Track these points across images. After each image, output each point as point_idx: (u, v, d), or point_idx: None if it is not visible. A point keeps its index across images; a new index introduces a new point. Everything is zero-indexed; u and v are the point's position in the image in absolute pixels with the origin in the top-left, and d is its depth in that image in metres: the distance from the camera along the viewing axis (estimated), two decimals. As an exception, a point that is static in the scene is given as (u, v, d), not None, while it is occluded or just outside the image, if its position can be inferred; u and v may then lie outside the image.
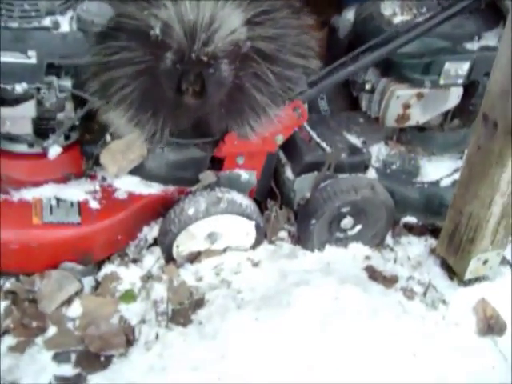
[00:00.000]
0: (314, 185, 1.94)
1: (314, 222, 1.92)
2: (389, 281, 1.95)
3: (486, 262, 1.89)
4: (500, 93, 1.65)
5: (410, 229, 2.13)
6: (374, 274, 1.96)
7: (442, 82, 1.95)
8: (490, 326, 1.85)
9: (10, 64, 1.64)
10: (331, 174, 1.95)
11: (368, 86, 2.04)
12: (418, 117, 2.03)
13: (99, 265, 1.91)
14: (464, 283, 1.93)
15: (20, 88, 1.67)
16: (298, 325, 1.75)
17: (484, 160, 1.75)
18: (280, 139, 1.87)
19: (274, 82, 1.75)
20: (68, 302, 1.80)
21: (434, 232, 2.08)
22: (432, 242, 2.08)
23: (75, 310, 1.79)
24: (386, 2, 2.00)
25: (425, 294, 1.92)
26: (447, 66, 1.92)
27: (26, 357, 1.68)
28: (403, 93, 1.97)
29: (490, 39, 1.94)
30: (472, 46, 1.94)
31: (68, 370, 1.67)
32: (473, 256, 1.86)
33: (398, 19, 1.96)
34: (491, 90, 1.68)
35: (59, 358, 1.69)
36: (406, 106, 1.99)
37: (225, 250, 1.96)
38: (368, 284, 1.91)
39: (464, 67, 1.94)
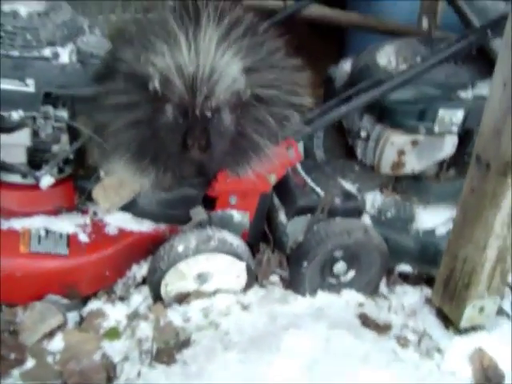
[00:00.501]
0: (307, 228, 1.92)
1: (306, 264, 1.88)
2: (382, 328, 1.89)
3: (482, 309, 1.83)
4: (492, 133, 1.66)
5: (404, 278, 2.09)
6: (366, 321, 1.90)
7: (436, 129, 1.97)
8: (488, 376, 1.77)
9: (9, 91, 1.68)
10: (324, 218, 1.94)
11: (363, 134, 2.06)
12: (413, 165, 2.03)
13: (85, 300, 1.87)
14: (460, 332, 1.87)
15: (16, 115, 1.70)
16: (285, 368, 1.68)
17: (478, 202, 1.73)
18: (273, 178, 1.87)
19: (273, 122, 1.77)
20: (50, 335, 1.75)
21: (430, 282, 2.03)
22: (427, 291, 2.03)
23: (57, 343, 1.74)
24: (381, 52, 2.04)
25: (419, 342, 1.85)
26: (441, 113, 1.94)
27: (2, 390, 1.63)
28: (398, 139, 1.98)
29: (483, 88, 1.95)
30: (466, 94, 1.97)
31: (44, 405, 1.62)
32: (468, 303, 1.81)
33: (392, 68, 2.01)
34: (483, 131, 1.69)
35: (36, 392, 1.63)
36: (401, 153, 2.00)
37: (214, 293, 1.92)
38: (360, 330, 1.85)
39: (458, 115, 1.95)
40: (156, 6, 1.89)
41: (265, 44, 1.73)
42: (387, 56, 2.02)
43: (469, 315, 1.84)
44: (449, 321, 1.91)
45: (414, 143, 1.99)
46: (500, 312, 1.92)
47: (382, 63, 2.03)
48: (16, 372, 1.66)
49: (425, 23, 2.27)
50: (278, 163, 1.83)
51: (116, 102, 1.70)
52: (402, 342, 1.87)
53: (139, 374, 1.68)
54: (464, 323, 1.85)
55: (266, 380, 1.65)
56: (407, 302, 2.02)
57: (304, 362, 1.70)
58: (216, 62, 1.63)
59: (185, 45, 1.61)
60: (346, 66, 2.13)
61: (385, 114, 1.99)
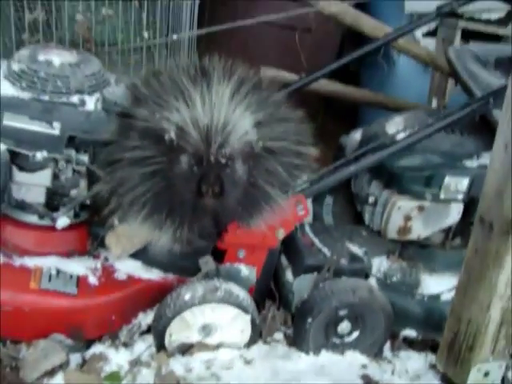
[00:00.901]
0: (313, 285, 1.94)
1: (310, 320, 1.88)
2: (385, 391, 1.87)
3: (487, 374, 1.81)
4: (494, 194, 1.71)
5: (409, 343, 2.08)
6: (369, 383, 1.88)
7: (442, 196, 2.03)
8: None
9: (35, 132, 1.78)
10: (330, 277, 1.96)
11: (371, 199, 2.12)
12: (419, 230, 2.08)
13: (89, 344, 1.87)
14: (464, 397, 1.84)
15: (40, 156, 1.79)
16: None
17: (481, 262, 1.76)
18: (281, 233, 1.91)
19: (283, 173, 1.83)
20: (51, 373, 1.75)
21: (435, 348, 2.01)
22: (432, 358, 2.01)
23: (57, 382, 1.74)
24: (390, 122, 2.14)
25: (422, 406, 1.83)
26: (447, 180, 2.01)
27: (-3, 422, 1.62)
28: (404, 204, 2.05)
29: (488, 159, 2.02)
30: (471, 163, 2.05)
31: None
32: (473, 365, 1.79)
33: (401, 136, 2.09)
34: (486, 193, 1.75)
35: (31, 431, 1.62)
36: (408, 218, 2.05)
37: (218, 346, 1.92)
38: (363, 390, 1.84)
39: (464, 183, 2.02)
40: (165, 69, 2.01)
41: (270, 98, 1.84)
42: (396, 126, 2.12)
43: (473, 379, 1.81)
44: (453, 385, 1.90)
45: (421, 209, 2.05)
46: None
47: (390, 131, 2.12)
48: (14, 407, 1.67)
49: (434, 102, 2.38)
50: (287, 218, 1.89)
51: (132, 156, 1.77)
52: (405, 405, 1.85)
53: (137, 417, 1.68)
54: (469, 388, 1.83)
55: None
56: (411, 366, 2.00)
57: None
58: (229, 114, 1.71)
59: (199, 99, 1.71)
60: (356, 135, 2.23)
61: (392, 179, 2.07)
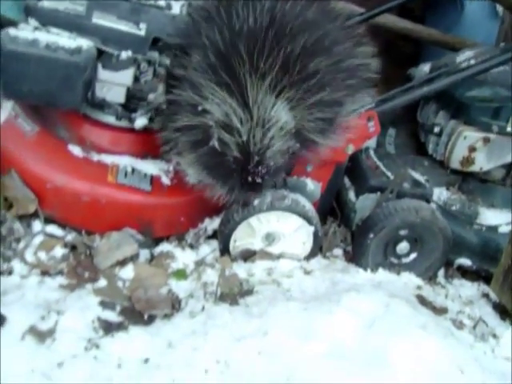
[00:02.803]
0: (376, 204, 1.99)
1: (371, 236, 1.94)
2: (438, 310, 1.91)
3: (541, 300, 1.86)
4: None
5: (463, 273, 2.12)
6: (423, 302, 1.93)
7: (509, 129, 2.05)
8: (543, 364, 1.77)
9: (122, 32, 1.83)
10: (393, 199, 2.01)
11: (437, 129, 2.15)
12: (482, 163, 2.10)
13: (157, 242, 1.95)
14: (517, 323, 1.89)
15: (125, 55, 1.84)
16: (345, 322, 1.72)
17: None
18: (350, 149, 1.95)
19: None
20: (122, 263, 1.83)
21: (488, 279, 2.06)
22: (485, 288, 2.07)
23: (127, 272, 1.82)
24: (460, 55, 2.16)
25: (475, 327, 1.87)
26: (515, 113, 2.03)
27: (75, 295, 1.70)
28: (470, 134, 2.07)
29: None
30: (541, 99, 2.06)
31: (112, 316, 1.67)
32: (528, 291, 1.84)
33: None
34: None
35: (105, 304, 1.69)
36: (472, 149, 2.08)
37: (279, 256, 1.98)
38: (418, 306, 1.89)
39: (532, 118, 2.04)
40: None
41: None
42: (466, 57, 2.13)
43: (527, 305, 1.86)
44: (506, 313, 1.94)
45: (486, 140, 2.07)
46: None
47: (460, 61, 2.14)
48: (89, 286, 1.75)
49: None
50: (357, 135, 1.93)
51: (182, 124, 1.77)
52: (458, 324, 1.89)
53: (203, 308, 1.74)
54: (522, 314, 1.88)
55: (327, 329, 1.70)
56: (464, 293, 2.05)
57: (364, 320, 1.73)
58: (267, 116, 1.68)
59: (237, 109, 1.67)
60: (425, 67, 2.25)
61: (460, 110, 2.09)
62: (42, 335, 1.56)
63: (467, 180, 2.18)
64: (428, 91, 1.94)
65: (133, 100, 1.95)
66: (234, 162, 1.71)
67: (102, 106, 1.94)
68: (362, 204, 2.02)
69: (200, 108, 1.70)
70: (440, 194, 2.12)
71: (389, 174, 2.06)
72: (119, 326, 1.64)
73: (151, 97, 1.95)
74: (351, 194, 2.07)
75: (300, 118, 1.74)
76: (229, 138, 1.67)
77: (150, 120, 1.98)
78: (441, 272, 2.10)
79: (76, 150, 1.90)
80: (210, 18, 1.79)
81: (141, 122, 1.91)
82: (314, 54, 1.74)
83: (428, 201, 2.06)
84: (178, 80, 1.78)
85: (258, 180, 1.71)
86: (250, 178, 1.71)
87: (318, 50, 1.75)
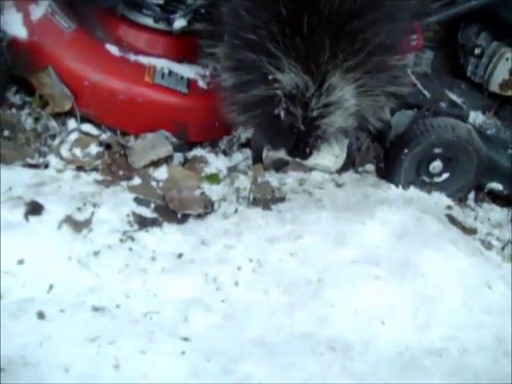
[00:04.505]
0: (412, 120, 1.97)
1: (406, 151, 1.91)
2: (468, 230, 1.91)
3: None
4: None
5: (493, 198, 2.12)
6: (453, 221, 1.93)
7: (553, 53, 2.01)
8: None
9: None
10: (429, 116, 1.99)
11: (477, 51, 2.10)
12: (522, 87, 2.07)
13: (190, 147, 1.96)
14: (546, 248, 1.89)
15: (165, -46, 1.81)
16: (376, 231, 1.73)
17: None
18: (391, 62, 1.93)
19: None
20: (156, 164, 1.84)
21: (518, 206, 2.07)
22: (515, 213, 2.07)
23: (161, 173, 1.84)
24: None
25: (503, 248, 1.88)
26: None
27: (110, 191, 1.71)
28: (513, 56, 2.04)
29: None
30: None
31: (146, 212, 1.69)
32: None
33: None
34: None
35: (140, 201, 1.71)
36: (513, 72, 2.05)
37: (311, 169, 1.99)
38: (448, 224, 1.89)
39: None
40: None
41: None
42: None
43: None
44: (534, 237, 1.95)
45: (528, 64, 2.04)
46: None
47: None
48: (124, 183, 1.76)
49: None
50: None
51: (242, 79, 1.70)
52: (487, 245, 1.90)
53: (236, 210, 1.75)
54: (552, 233, 1.88)
55: (358, 237, 1.71)
56: (493, 217, 2.05)
57: (395, 230, 1.74)
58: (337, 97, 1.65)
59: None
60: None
61: (504, 31, 2.03)
62: (78, 225, 1.58)
63: (504, 106, 2.14)
64: (474, 5, 1.90)
65: (171, 2, 1.93)
66: (296, 132, 1.69)
67: (140, 6, 1.91)
68: (398, 120, 1.99)
69: (271, 77, 1.64)
70: (476, 117, 2.09)
71: (425, 92, 2.03)
72: (154, 222, 1.66)
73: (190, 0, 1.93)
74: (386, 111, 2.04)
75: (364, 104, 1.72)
76: (297, 110, 1.65)
77: (190, 24, 1.96)
78: (471, 195, 2.09)
79: (113, 50, 1.88)
80: None
81: (179, 23, 1.88)
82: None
83: (464, 122, 2.04)
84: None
85: (311, 150, 1.72)
86: (304, 147, 1.71)
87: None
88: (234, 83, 1.72)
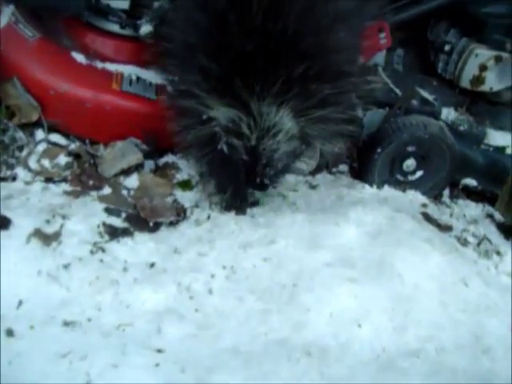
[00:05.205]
0: (384, 119, 1.96)
1: (379, 151, 1.92)
2: (443, 227, 1.91)
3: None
4: None
5: (468, 194, 2.12)
6: (428, 219, 1.93)
7: (522, 47, 2.02)
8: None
9: None
10: (401, 115, 1.98)
11: (447, 47, 2.11)
12: (492, 82, 2.07)
13: (161, 154, 1.93)
14: (520, 242, 1.90)
15: (130, -42, 1.79)
16: (351, 232, 1.72)
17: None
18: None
19: None
20: (127, 172, 1.81)
21: (492, 200, 2.06)
22: (489, 208, 2.07)
23: (132, 181, 1.81)
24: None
25: (479, 244, 1.88)
26: (529, 31, 1.99)
27: (79, 201, 1.69)
28: (482, 52, 2.04)
29: None
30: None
31: (117, 222, 1.67)
32: (533, 209, 1.84)
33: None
34: None
35: (110, 211, 1.69)
36: (483, 68, 2.04)
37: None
38: (423, 222, 1.89)
39: (545, 37, 2.00)
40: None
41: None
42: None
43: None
44: (510, 232, 1.94)
45: (498, 59, 2.03)
46: None
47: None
48: (94, 194, 1.73)
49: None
50: (367, 46, 1.88)
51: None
52: (462, 241, 1.89)
53: (209, 217, 1.74)
54: (526, 232, 1.88)
55: (332, 239, 1.69)
56: (468, 213, 2.05)
57: (369, 231, 1.73)
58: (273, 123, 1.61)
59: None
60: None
61: (473, 27, 2.05)
62: (47, 238, 1.55)
63: (475, 102, 2.15)
64: (441, 2, 1.90)
65: (137, 7, 1.90)
66: (243, 164, 1.65)
67: (105, 13, 1.88)
68: (370, 119, 1.99)
69: (205, 116, 1.62)
70: (448, 113, 2.09)
71: (397, 90, 2.03)
72: (125, 232, 1.64)
73: (156, 4, 1.90)
74: (358, 111, 2.04)
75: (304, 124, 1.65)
76: (237, 142, 1.62)
77: (155, 28, 1.94)
78: (446, 192, 2.10)
79: (79, 57, 1.85)
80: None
81: (145, 29, 1.86)
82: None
83: (436, 119, 2.03)
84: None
85: (266, 181, 1.67)
86: (257, 179, 1.66)
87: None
88: (179, 129, 1.70)
